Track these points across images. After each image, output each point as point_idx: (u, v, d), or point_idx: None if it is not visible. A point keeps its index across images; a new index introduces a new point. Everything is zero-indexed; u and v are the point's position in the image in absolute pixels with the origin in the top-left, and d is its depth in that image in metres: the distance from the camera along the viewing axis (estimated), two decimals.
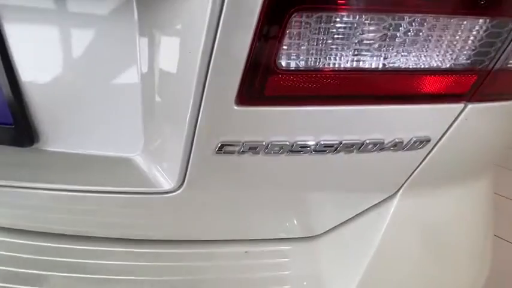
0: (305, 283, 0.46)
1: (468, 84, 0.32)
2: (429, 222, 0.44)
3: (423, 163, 0.38)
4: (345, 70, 0.29)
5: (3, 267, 0.42)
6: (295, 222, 0.47)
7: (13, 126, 0.39)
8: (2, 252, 0.43)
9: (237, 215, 0.44)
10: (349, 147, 0.34)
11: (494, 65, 0.31)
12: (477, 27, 0.29)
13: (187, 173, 0.35)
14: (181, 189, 0.37)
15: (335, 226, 0.48)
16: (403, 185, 0.41)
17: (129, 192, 0.38)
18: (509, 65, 0.31)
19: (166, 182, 0.37)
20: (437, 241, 0.44)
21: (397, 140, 0.34)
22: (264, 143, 0.33)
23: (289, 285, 0.45)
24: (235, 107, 0.30)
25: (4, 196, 0.41)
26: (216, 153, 0.33)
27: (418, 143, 0.35)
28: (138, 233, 0.46)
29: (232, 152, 0.33)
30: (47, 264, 0.43)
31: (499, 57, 0.30)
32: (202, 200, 0.39)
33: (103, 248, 0.45)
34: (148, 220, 0.43)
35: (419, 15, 0.27)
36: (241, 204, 0.42)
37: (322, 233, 0.49)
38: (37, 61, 0.36)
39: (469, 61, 0.30)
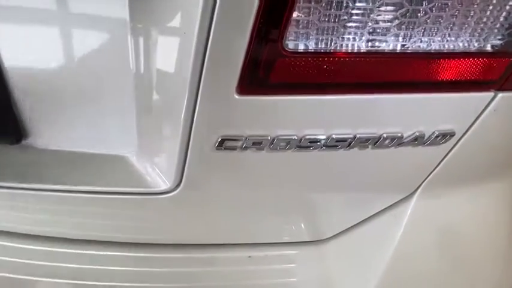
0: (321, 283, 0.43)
1: (500, 70, 0.28)
2: (450, 225, 0.40)
3: (445, 160, 0.34)
4: (361, 53, 0.25)
5: None
6: (302, 224, 0.43)
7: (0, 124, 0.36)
8: None
9: (239, 217, 0.41)
10: (363, 142, 0.31)
11: None
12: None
13: (185, 171, 0.32)
14: (178, 190, 0.34)
15: (345, 229, 0.45)
16: (421, 184, 0.37)
17: (122, 192, 0.35)
18: None
19: (162, 182, 0.34)
20: (458, 246, 0.40)
21: (417, 134, 0.31)
22: (269, 138, 0.29)
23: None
24: (237, 97, 0.26)
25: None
26: (216, 149, 0.30)
27: (440, 137, 0.32)
28: (134, 237, 0.43)
29: (233, 148, 0.30)
30: (35, 268, 0.40)
31: None
32: (202, 201, 0.36)
33: (96, 252, 0.42)
34: (143, 223, 0.40)
35: None
36: (244, 206, 0.38)
37: (331, 237, 0.45)
38: (25, 57, 0.34)
39: (501, 42, 0.27)
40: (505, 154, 0.37)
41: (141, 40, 0.30)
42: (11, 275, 0.41)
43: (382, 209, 0.41)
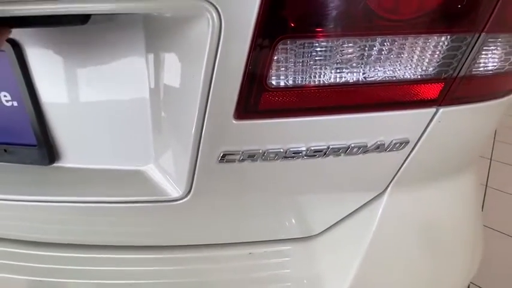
0: (305, 281, 0.50)
1: (437, 91, 0.36)
2: (418, 215, 0.47)
3: (406, 162, 0.42)
4: (328, 85, 0.33)
5: (28, 277, 0.46)
6: (294, 223, 0.51)
7: (36, 147, 0.43)
8: (27, 264, 0.47)
9: (240, 218, 0.48)
10: (336, 151, 0.38)
11: (458, 73, 0.35)
12: (440, 43, 0.33)
13: (194, 181, 0.39)
14: (188, 196, 0.41)
15: (331, 225, 0.52)
16: (390, 183, 0.45)
17: (141, 201, 0.42)
18: (472, 72, 0.36)
19: (175, 190, 0.41)
20: (426, 232, 0.47)
21: (379, 143, 0.39)
22: (260, 151, 0.37)
23: (291, 282, 0.49)
24: (234, 121, 0.34)
25: (28, 211, 0.45)
26: (219, 162, 0.37)
27: (398, 144, 0.39)
28: (149, 240, 0.50)
29: (233, 161, 0.37)
30: (67, 272, 0.47)
31: (461, 67, 0.35)
32: (209, 206, 0.43)
33: (118, 256, 0.48)
34: (159, 227, 0.47)
35: (389, 36, 0.32)
36: (244, 208, 0.45)
37: (319, 233, 0.52)
38: (56, 86, 0.40)
39: (435, 71, 0.35)
40: (455, 154, 0.45)
41: (156, 68, 0.37)
42: (44, 279, 0.47)
43: (360, 206, 0.48)
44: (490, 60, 0.34)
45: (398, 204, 0.47)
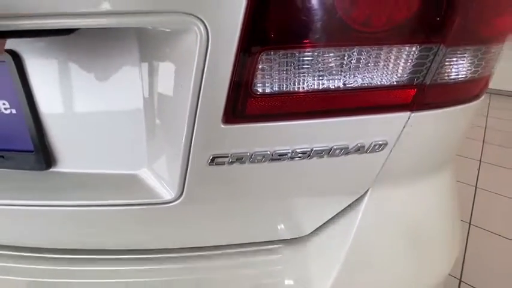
0: (293, 282, 0.52)
1: (410, 96, 0.39)
2: (396, 213, 0.50)
3: (386, 163, 0.45)
4: (309, 92, 0.36)
5: (24, 282, 0.47)
6: (282, 224, 0.53)
7: (33, 153, 0.45)
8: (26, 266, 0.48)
9: (230, 220, 0.50)
10: (319, 153, 0.41)
11: (427, 80, 0.38)
12: (411, 53, 0.36)
13: (186, 183, 0.41)
14: (181, 199, 0.43)
15: (320, 226, 0.54)
16: (372, 183, 0.48)
17: (135, 204, 0.44)
18: (439, 80, 0.39)
19: (168, 193, 0.43)
20: (405, 228, 0.50)
21: (359, 145, 0.41)
22: (248, 154, 0.39)
23: (280, 283, 0.51)
24: (222, 126, 0.36)
25: (24, 216, 0.46)
26: (209, 164, 0.39)
27: (377, 146, 0.42)
28: (144, 243, 0.52)
29: (222, 163, 0.40)
30: (63, 276, 0.48)
31: (430, 74, 0.38)
32: (200, 208, 0.45)
33: (114, 256, 0.50)
34: (152, 230, 0.49)
35: (362, 47, 0.35)
36: (234, 210, 0.48)
37: (308, 234, 0.54)
38: (53, 95, 0.42)
39: (408, 78, 0.38)
40: (431, 154, 0.48)
41: (149, 78, 0.40)
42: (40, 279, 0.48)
43: (346, 206, 0.51)
44: (453, 69, 0.38)
45: (378, 204, 0.50)
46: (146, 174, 0.45)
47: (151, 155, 0.44)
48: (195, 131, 0.37)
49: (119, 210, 0.45)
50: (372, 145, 0.42)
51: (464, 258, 1.01)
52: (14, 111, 0.43)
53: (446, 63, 0.37)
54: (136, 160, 0.44)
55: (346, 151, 0.42)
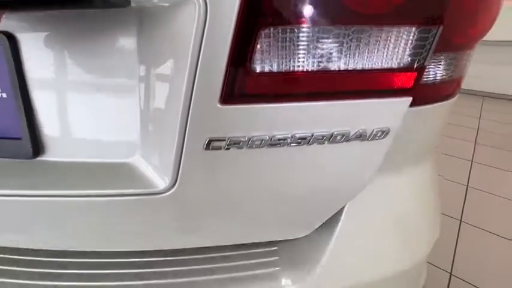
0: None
1: (411, 80, 0.38)
2: (384, 198, 0.50)
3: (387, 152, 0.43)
4: (309, 72, 0.35)
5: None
6: (281, 220, 0.50)
7: (21, 140, 0.43)
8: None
9: (228, 214, 0.47)
10: (320, 139, 0.39)
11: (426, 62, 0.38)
12: (411, 35, 0.36)
13: (180, 170, 0.39)
14: (175, 187, 0.41)
15: (324, 223, 0.51)
16: (374, 175, 0.46)
17: (127, 194, 0.41)
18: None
19: (161, 181, 0.41)
20: (390, 212, 0.51)
21: (361, 131, 0.40)
22: (246, 138, 0.38)
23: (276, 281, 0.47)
24: (219, 106, 0.35)
25: (9, 206, 0.43)
26: (205, 149, 0.38)
27: (380, 133, 0.41)
28: (135, 241, 0.48)
29: (219, 148, 0.38)
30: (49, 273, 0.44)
31: (429, 58, 0.38)
32: (196, 198, 0.43)
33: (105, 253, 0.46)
34: (145, 223, 0.46)
35: (360, 27, 0.35)
36: (230, 202, 0.45)
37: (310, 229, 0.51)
38: (46, 79, 0.41)
39: (408, 61, 0.37)
40: (424, 142, 0.49)
41: (146, 56, 0.37)
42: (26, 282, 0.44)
43: (350, 200, 0.48)
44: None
45: (365, 191, 0.48)
46: (139, 162, 0.43)
47: (145, 141, 0.42)
48: (190, 111, 0.35)
49: (108, 201, 0.42)
50: (374, 132, 0.41)
51: (454, 253, 1.06)
52: (4, 95, 0.42)
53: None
54: (129, 147, 0.43)
55: (347, 137, 0.40)
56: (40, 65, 0.40)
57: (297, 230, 0.52)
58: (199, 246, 0.50)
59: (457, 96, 0.51)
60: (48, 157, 0.45)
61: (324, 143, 0.40)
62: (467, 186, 1.51)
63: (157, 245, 0.49)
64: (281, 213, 0.48)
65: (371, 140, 0.41)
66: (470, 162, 1.76)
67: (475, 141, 2.05)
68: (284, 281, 0.47)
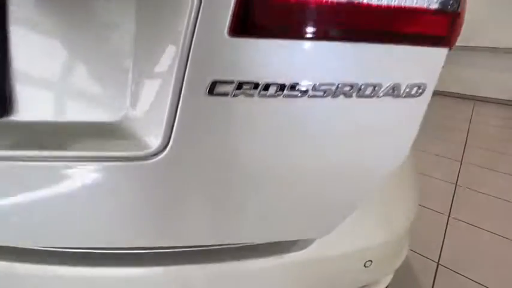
0: None
1: (445, 27, 0.33)
2: None
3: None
4: (338, 2, 0.30)
5: None
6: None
7: None
8: None
9: (232, 186, 0.37)
10: (347, 91, 0.33)
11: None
12: None
13: (176, 121, 0.32)
14: (168, 148, 0.33)
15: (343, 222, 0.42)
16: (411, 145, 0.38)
17: (112, 157, 0.33)
18: None
19: (152, 140, 0.33)
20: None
21: (394, 85, 0.34)
22: (259, 83, 0.31)
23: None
24: (228, 37, 0.29)
25: None
26: (208, 94, 0.31)
27: (416, 88, 0.34)
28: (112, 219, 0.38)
29: (225, 94, 0.31)
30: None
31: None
32: (193, 162, 0.34)
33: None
34: (132, 192, 0.36)
35: None
36: (236, 169, 0.36)
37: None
38: (31, 29, 0.36)
39: (441, 2, 0.33)
40: None
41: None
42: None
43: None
44: None
45: None
46: (126, 123, 0.35)
47: (135, 96, 0.35)
48: (193, 43, 0.29)
49: (92, 167, 0.34)
50: (409, 87, 0.34)
51: (442, 245, 1.12)
52: None
53: None
54: (116, 106, 0.35)
55: (378, 92, 0.34)
56: (25, 18, 0.35)
57: (314, 232, 0.42)
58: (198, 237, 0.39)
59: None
60: (20, 117, 0.37)
61: (351, 96, 0.33)
62: (455, 184, 1.57)
63: (144, 230, 0.39)
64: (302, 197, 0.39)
65: (406, 97, 0.35)
66: (459, 163, 1.83)
67: (465, 143, 2.15)
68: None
